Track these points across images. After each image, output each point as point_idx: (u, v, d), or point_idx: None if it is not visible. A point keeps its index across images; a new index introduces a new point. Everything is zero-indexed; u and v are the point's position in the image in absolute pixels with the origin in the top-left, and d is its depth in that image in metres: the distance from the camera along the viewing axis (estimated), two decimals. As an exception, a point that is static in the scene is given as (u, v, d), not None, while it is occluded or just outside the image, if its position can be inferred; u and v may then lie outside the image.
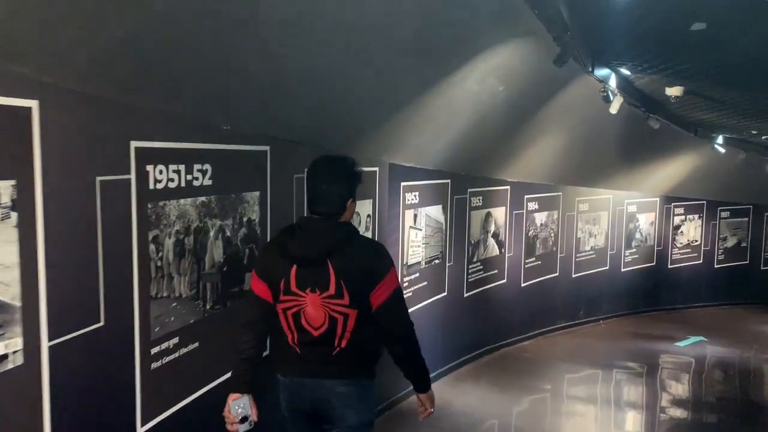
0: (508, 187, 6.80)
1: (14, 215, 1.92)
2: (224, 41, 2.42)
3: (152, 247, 2.56)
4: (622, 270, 9.06)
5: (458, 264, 6.00)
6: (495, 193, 6.63)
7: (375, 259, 2.42)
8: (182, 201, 2.72)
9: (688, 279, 9.98)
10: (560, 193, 7.76)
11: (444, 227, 5.69)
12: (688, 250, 10.05)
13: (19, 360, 1.98)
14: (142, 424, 2.57)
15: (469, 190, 6.08)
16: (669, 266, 9.82)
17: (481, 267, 6.48)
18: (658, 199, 9.49)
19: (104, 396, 2.39)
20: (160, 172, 2.57)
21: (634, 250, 9.23)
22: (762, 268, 10.76)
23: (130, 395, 2.52)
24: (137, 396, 2.54)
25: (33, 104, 1.96)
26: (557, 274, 7.87)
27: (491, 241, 6.64)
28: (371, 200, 4.49)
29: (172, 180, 2.64)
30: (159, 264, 2.60)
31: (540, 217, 7.49)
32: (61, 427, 2.16)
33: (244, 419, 2.39)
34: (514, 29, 3.68)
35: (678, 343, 8.03)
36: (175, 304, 2.72)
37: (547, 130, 5.91)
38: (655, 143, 7.24)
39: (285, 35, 2.60)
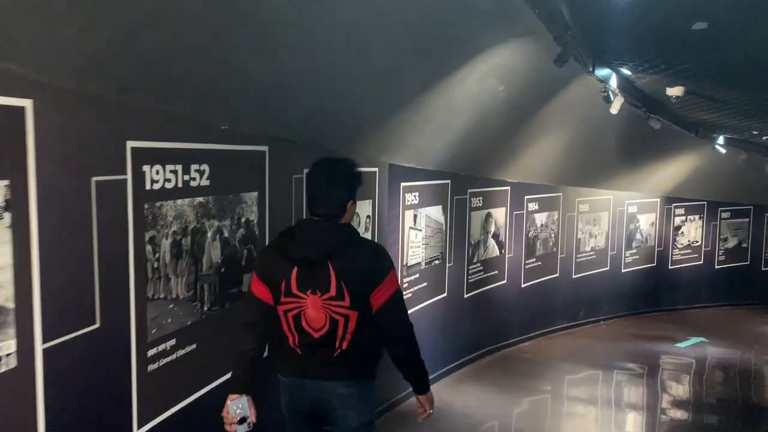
0: (509, 187, 6.79)
1: (7, 216, 1.90)
2: (223, 41, 2.40)
3: (149, 248, 2.54)
4: (623, 271, 9.05)
5: (458, 265, 5.98)
6: (495, 194, 6.61)
7: (375, 261, 2.42)
8: (179, 201, 2.69)
9: (688, 280, 9.97)
10: (560, 194, 7.75)
11: (444, 228, 5.67)
12: (688, 251, 10.04)
13: (12, 363, 1.95)
14: (139, 427, 2.55)
15: (469, 190, 6.07)
16: (669, 267, 9.81)
17: (482, 268, 6.46)
18: (658, 199, 9.48)
19: (100, 399, 2.37)
20: (157, 172, 2.55)
21: (635, 250, 9.21)
22: (763, 268, 10.74)
23: (127, 398, 2.49)
24: (134, 399, 2.51)
25: (27, 103, 1.94)
26: (557, 274, 7.86)
27: (491, 242, 6.62)
28: (371, 201, 4.47)
29: (169, 180, 2.62)
30: (156, 265, 2.58)
31: (540, 218, 7.47)
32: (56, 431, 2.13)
33: (242, 420, 2.38)
34: (515, 29, 3.67)
35: (678, 344, 8.01)
36: (172, 305, 2.70)
37: (547, 130, 5.89)
38: (655, 143, 7.22)
39: (285, 35, 2.58)
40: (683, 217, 9.92)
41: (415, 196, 5.12)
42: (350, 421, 2.46)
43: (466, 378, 6.10)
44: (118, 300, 2.40)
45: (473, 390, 5.82)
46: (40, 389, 2.06)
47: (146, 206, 2.50)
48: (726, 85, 5.11)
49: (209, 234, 2.92)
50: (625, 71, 5.08)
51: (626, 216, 8.98)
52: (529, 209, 7.22)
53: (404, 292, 4.70)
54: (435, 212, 5.49)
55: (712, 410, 6.17)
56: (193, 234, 2.81)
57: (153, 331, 2.59)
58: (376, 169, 4.53)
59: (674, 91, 5.14)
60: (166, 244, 2.63)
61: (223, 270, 3.03)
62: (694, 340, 8.18)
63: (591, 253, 8.43)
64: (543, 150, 6.36)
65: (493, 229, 6.61)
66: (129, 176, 2.41)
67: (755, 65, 4.38)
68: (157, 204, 2.57)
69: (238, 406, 2.37)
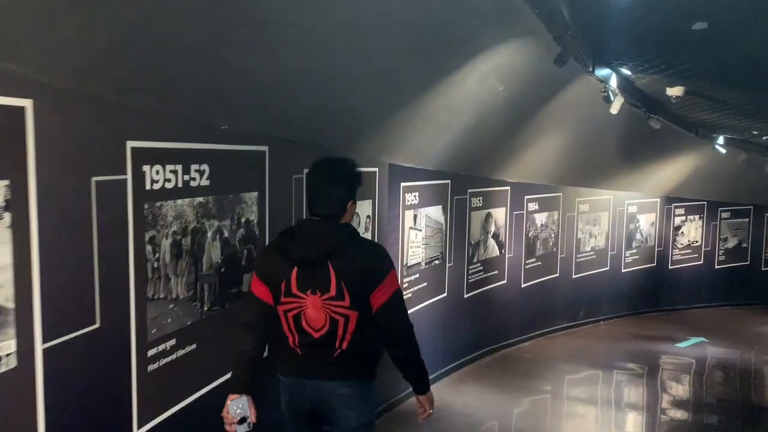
0: (509, 187, 6.79)
1: (7, 216, 1.90)
2: (223, 41, 2.40)
3: (149, 248, 2.54)
4: (623, 271, 9.04)
5: (458, 265, 5.98)
6: (495, 194, 6.61)
7: (375, 261, 2.42)
8: (179, 201, 2.69)
9: (688, 280, 9.97)
10: (560, 194, 7.74)
11: (444, 228, 5.67)
12: (688, 251, 10.04)
13: (12, 363, 1.95)
14: (139, 427, 2.55)
15: (469, 190, 6.07)
16: (669, 267, 9.81)
17: (482, 268, 6.46)
18: (658, 199, 9.48)
19: (100, 399, 2.37)
20: (157, 172, 2.55)
21: (635, 250, 9.21)
22: (763, 268, 10.74)
23: (127, 398, 2.49)
24: (134, 399, 2.51)
25: (27, 103, 1.94)
26: (557, 274, 7.85)
27: (491, 242, 6.62)
28: (371, 201, 4.47)
29: (169, 180, 2.62)
30: (156, 265, 2.58)
31: (540, 218, 7.47)
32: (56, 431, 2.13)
33: (242, 420, 2.38)
34: (515, 29, 3.67)
35: (678, 344, 8.01)
36: (172, 305, 2.70)
37: (547, 130, 5.89)
38: (655, 143, 7.22)
39: (285, 35, 2.58)
40: (683, 217, 9.92)
41: (415, 196, 5.12)
42: (350, 421, 2.46)
43: (466, 378, 6.10)
44: (118, 300, 2.40)
45: (473, 390, 5.82)
46: (40, 389, 2.06)
47: (146, 206, 2.50)
48: (726, 85, 5.11)
49: (209, 234, 2.92)
50: (625, 71, 5.08)
51: (626, 216, 8.98)
52: (529, 209, 7.22)
53: (404, 292, 4.70)
54: (435, 212, 5.49)
55: (712, 410, 6.17)
56: (193, 234, 2.80)
57: (153, 331, 2.59)
58: (376, 169, 4.53)
59: (674, 91, 5.14)
60: (166, 244, 2.63)
61: (223, 270, 3.02)
62: (694, 340, 8.18)
63: (591, 253, 8.43)
64: (543, 150, 6.36)
65: (493, 229, 6.61)
66: (129, 176, 2.41)
67: (755, 65, 4.38)
68: (157, 204, 2.57)
69: (238, 406, 2.37)
